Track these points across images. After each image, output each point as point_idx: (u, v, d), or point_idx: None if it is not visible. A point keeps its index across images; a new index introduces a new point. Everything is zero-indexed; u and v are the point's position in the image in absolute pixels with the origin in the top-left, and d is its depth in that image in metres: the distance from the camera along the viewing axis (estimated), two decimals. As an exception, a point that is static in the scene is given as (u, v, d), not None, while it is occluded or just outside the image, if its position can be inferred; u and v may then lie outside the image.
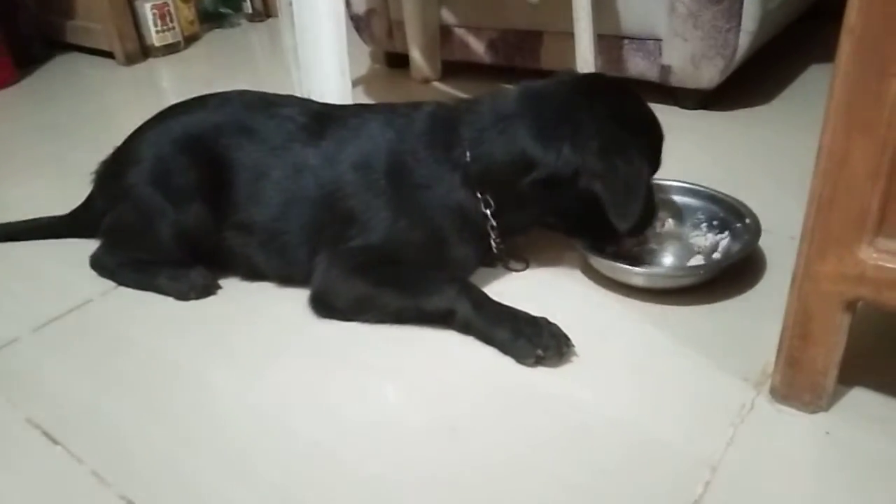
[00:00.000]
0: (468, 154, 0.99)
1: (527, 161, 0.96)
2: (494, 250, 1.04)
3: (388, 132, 1.03)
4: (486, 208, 0.99)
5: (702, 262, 1.03)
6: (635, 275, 0.99)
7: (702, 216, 1.10)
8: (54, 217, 1.28)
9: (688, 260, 1.04)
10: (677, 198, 1.13)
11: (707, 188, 1.11)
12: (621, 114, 0.97)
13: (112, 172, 1.14)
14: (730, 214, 1.07)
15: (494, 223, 1.00)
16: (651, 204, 1.02)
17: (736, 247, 1.02)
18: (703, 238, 1.07)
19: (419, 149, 1.01)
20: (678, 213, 1.11)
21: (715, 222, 1.08)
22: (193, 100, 1.16)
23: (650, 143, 1.00)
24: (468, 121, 1.01)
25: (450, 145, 1.00)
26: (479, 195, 0.99)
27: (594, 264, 1.04)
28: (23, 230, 1.29)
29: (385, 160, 1.01)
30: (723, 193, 1.09)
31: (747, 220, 1.03)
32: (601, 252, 1.02)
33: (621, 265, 0.99)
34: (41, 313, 1.08)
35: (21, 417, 0.89)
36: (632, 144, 0.95)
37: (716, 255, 1.04)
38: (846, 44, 0.62)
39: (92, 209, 1.19)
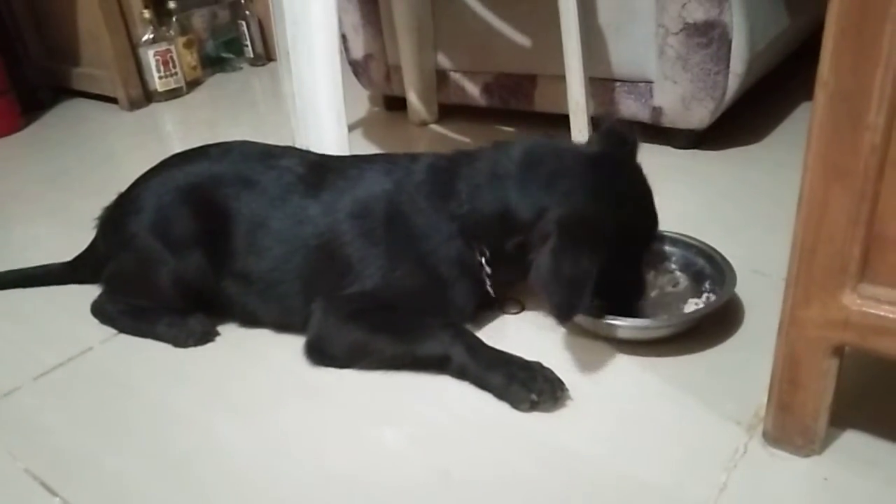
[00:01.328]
0: (464, 209, 1.00)
1: (509, 224, 0.98)
2: (491, 293, 1.05)
3: (386, 183, 1.05)
4: (480, 257, 1.01)
5: (686, 311, 1.03)
6: (613, 327, 0.98)
7: (675, 266, 1.11)
8: (57, 264, 1.30)
9: (673, 309, 1.05)
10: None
11: (686, 237, 1.11)
12: (608, 196, 0.95)
13: (114, 220, 1.16)
14: (707, 264, 1.07)
15: (489, 271, 1.02)
16: (637, 282, 1.03)
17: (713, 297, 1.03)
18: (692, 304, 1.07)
19: (417, 199, 1.03)
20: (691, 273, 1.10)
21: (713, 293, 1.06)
22: (195, 150, 1.19)
23: (635, 227, 0.98)
24: (466, 173, 1.03)
25: (447, 196, 1.02)
26: (474, 246, 1.01)
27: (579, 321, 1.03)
28: (27, 277, 1.31)
29: (383, 210, 1.03)
30: (699, 241, 1.10)
31: (724, 275, 1.03)
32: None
33: (598, 320, 0.98)
34: (42, 361, 1.09)
35: (20, 468, 0.89)
36: (593, 241, 0.90)
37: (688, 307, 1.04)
38: (820, 96, 0.64)
39: (94, 255, 1.21)
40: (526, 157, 1.01)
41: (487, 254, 1.01)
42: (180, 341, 1.10)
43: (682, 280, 1.10)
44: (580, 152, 1.03)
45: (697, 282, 1.08)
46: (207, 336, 1.10)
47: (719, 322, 1.01)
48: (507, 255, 1.00)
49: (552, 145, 1.03)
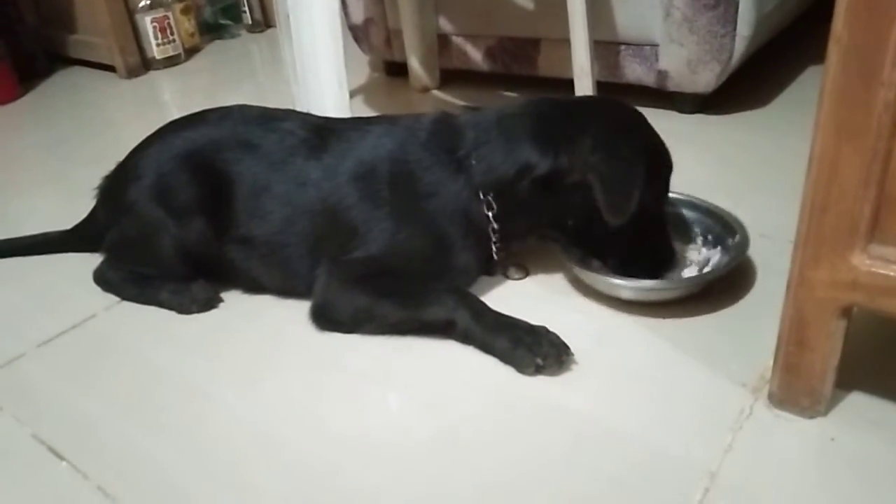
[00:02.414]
0: (472, 158, 1.00)
1: (525, 161, 0.98)
2: (495, 256, 1.05)
3: (390, 142, 1.05)
4: (488, 211, 1.00)
5: (692, 275, 1.03)
6: (622, 288, 0.99)
7: (697, 230, 1.10)
8: (58, 232, 1.30)
9: (680, 272, 1.04)
10: (676, 210, 1.12)
11: (704, 202, 1.11)
12: (625, 131, 0.98)
13: (114, 188, 1.15)
14: (724, 230, 1.06)
15: (496, 226, 1.01)
16: (666, 245, 1.03)
17: (725, 260, 1.02)
18: (696, 252, 1.08)
19: (422, 156, 1.02)
20: (678, 226, 1.10)
21: (710, 237, 1.08)
22: (194, 115, 1.17)
23: (652, 163, 0.97)
24: (473, 126, 1.02)
25: (455, 150, 1.01)
26: (482, 198, 1.00)
27: (583, 278, 1.03)
28: (27, 245, 1.30)
29: (388, 170, 1.02)
30: (718, 207, 1.09)
31: (738, 237, 1.02)
32: (590, 265, 1.02)
33: (608, 278, 0.99)
34: (46, 329, 1.09)
35: (27, 433, 0.90)
36: (628, 146, 0.95)
37: (706, 269, 1.03)
38: (833, 53, 0.63)
39: (95, 224, 1.20)
40: (532, 104, 1.03)
41: (495, 207, 1.00)
42: (184, 308, 1.09)
43: (703, 246, 1.09)
44: (583, 98, 1.06)
45: (684, 230, 1.10)
46: (210, 302, 1.10)
47: (725, 285, 1.00)
48: (520, 201, 0.99)
49: (554, 97, 1.05)
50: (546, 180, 0.97)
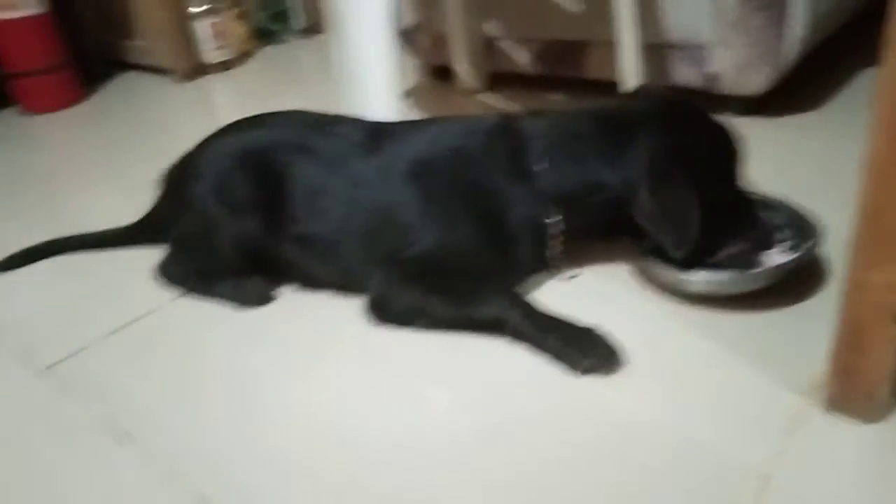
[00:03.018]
0: (538, 165, 1.01)
1: (593, 181, 1.00)
2: (553, 257, 1.06)
3: (450, 142, 1.07)
4: (550, 218, 1.02)
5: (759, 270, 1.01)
6: (691, 282, 0.99)
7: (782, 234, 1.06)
8: (121, 227, 1.35)
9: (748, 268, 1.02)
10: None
11: (783, 201, 1.09)
12: (687, 140, 0.99)
13: (177, 183, 1.20)
14: (802, 230, 1.03)
15: (556, 231, 1.03)
16: (721, 227, 1.01)
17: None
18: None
19: (485, 158, 1.04)
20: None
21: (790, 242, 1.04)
22: (255, 117, 1.21)
23: (718, 167, 1.00)
24: (538, 132, 1.04)
25: (519, 155, 1.03)
26: (545, 205, 1.02)
27: (649, 271, 1.04)
28: (93, 241, 1.36)
29: (447, 169, 1.05)
30: (796, 205, 1.07)
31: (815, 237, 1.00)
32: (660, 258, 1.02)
33: (677, 273, 0.99)
34: (111, 321, 1.14)
35: (94, 419, 0.94)
36: (685, 178, 0.94)
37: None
38: (891, 57, 0.63)
39: (156, 218, 1.26)
40: (594, 117, 1.03)
41: (558, 214, 1.02)
42: (240, 303, 1.13)
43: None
44: (646, 106, 1.04)
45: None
46: (265, 299, 1.14)
47: (779, 287, 0.99)
48: (587, 213, 1.01)
49: (617, 105, 1.06)
50: (614, 200, 1.00)
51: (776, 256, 1.03)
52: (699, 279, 0.99)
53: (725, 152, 1.02)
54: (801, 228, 1.03)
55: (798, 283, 1.01)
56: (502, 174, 1.03)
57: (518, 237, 1.04)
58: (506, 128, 1.07)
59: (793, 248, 1.02)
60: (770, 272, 0.99)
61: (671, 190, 0.95)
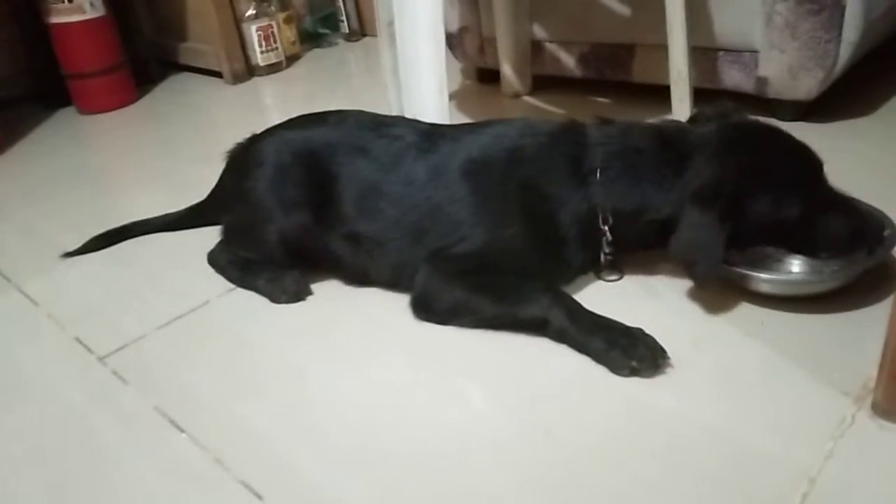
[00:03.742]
0: (597, 175, 1.02)
1: (645, 204, 1.01)
2: (602, 260, 1.07)
3: (507, 142, 1.08)
4: (604, 225, 1.03)
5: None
6: (761, 281, 0.99)
7: None
8: (185, 209, 1.43)
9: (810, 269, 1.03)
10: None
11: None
12: (746, 164, 0.98)
13: (237, 167, 1.24)
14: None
15: (610, 238, 1.04)
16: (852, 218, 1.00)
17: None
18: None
19: (544, 160, 1.05)
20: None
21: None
22: (315, 115, 1.25)
23: (790, 183, 0.98)
24: (602, 142, 1.05)
25: (580, 161, 1.04)
26: (596, 212, 1.03)
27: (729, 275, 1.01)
28: (159, 224, 1.44)
29: (502, 169, 1.06)
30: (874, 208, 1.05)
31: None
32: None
33: (747, 272, 0.99)
34: (165, 312, 1.18)
35: (150, 406, 0.98)
36: (724, 209, 0.94)
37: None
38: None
39: (216, 199, 1.33)
40: (658, 135, 1.04)
41: (611, 221, 1.03)
42: (274, 297, 1.16)
43: None
44: (709, 129, 1.04)
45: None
46: (300, 295, 1.16)
47: (830, 294, 0.98)
48: (631, 228, 1.03)
49: (680, 125, 1.07)
50: (660, 222, 1.01)
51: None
52: (766, 279, 0.99)
53: (798, 166, 1.01)
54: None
55: (849, 287, 1.00)
56: (559, 176, 1.04)
57: (567, 240, 1.04)
58: (569, 132, 1.08)
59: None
60: (846, 271, 0.98)
61: (700, 227, 0.95)
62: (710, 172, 0.97)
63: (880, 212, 1.03)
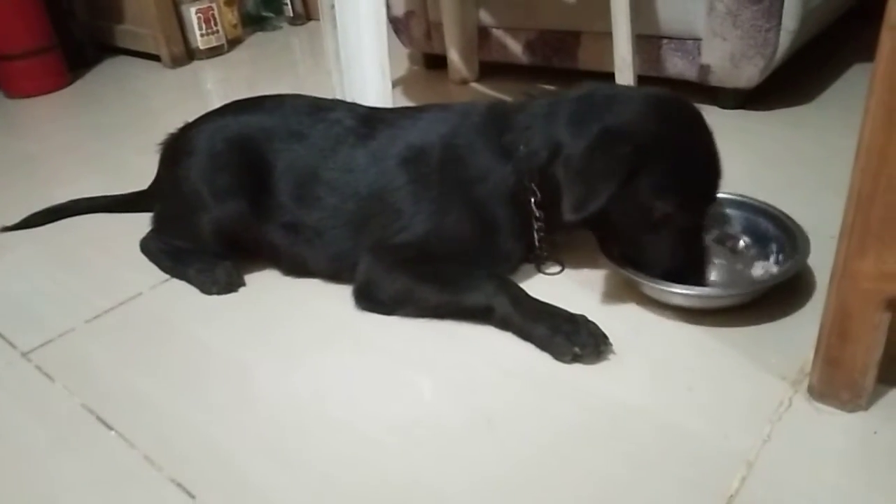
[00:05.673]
0: (520, 143, 1.00)
1: (556, 143, 0.96)
2: (537, 244, 1.05)
3: (443, 127, 1.06)
4: (532, 198, 1.00)
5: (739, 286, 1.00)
6: (673, 294, 0.95)
7: (774, 246, 1.03)
8: (133, 192, 1.39)
9: (739, 274, 1.02)
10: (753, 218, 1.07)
11: (777, 210, 1.05)
12: (658, 131, 0.93)
13: (169, 157, 1.19)
14: (791, 242, 1.00)
15: (539, 214, 1.01)
16: (697, 254, 0.98)
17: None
18: (761, 268, 1.03)
19: (475, 141, 1.03)
20: (755, 236, 1.06)
21: (781, 256, 1.02)
22: (252, 100, 1.20)
23: (691, 171, 0.93)
24: (524, 112, 1.02)
25: (504, 135, 1.01)
26: (527, 185, 1.00)
27: (626, 276, 1.00)
28: (103, 204, 1.41)
29: (438, 155, 1.03)
30: (789, 217, 1.03)
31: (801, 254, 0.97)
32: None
33: (658, 285, 0.95)
34: (94, 305, 1.13)
35: (77, 403, 0.93)
36: (628, 155, 0.89)
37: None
38: (887, 41, 0.62)
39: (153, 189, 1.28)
40: (584, 93, 1.00)
41: (539, 195, 1.00)
42: (205, 288, 1.13)
43: (744, 243, 1.06)
44: (639, 90, 1.01)
45: (763, 244, 1.04)
46: (231, 286, 1.13)
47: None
48: (558, 191, 0.96)
49: (612, 86, 1.03)
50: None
51: (761, 269, 1.02)
52: (679, 292, 0.94)
53: (706, 172, 0.95)
54: (790, 241, 1.00)
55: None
56: (488, 158, 1.02)
57: (505, 222, 1.02)
58: (497, 111, 1.06)
59: (778, 262, 1.01)
60: (750, 290, 0.97)
61: (604, 154, 0.90)
62: (631, 118, 0.93)
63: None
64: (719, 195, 0.99)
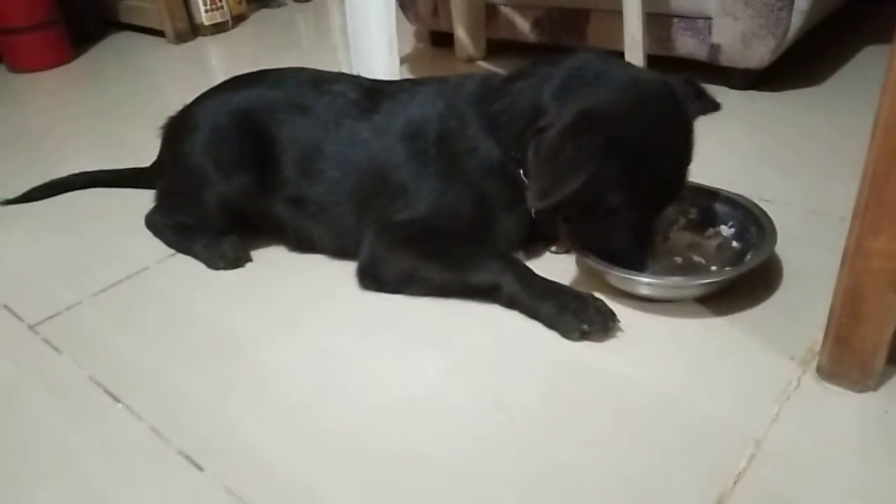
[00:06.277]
0: (502, 111, 0.97)
1: (535, 111, 0.93)
2: (533, 215, 1.01)
3: (438, 102, 1.04)
4: (519, 167, 0.97)
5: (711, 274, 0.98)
6: (640, 284, 0.93)
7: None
8: (138, 168, 1.38)
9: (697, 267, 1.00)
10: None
11: (738, 197, 1.03)
12: (643, 112, 0.89)
13: (173, 134, 1.18)
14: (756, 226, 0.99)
15: (526, 181, 0.97)
16: (647, 233, 0.96)
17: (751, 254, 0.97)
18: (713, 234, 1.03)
19: (467, 114, 1.01)
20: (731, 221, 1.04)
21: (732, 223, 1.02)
22: (253, 74, 1.19)
23: (660, 163, 0.90)
24: (512, 82, 0.99)
25: (492, 112, 0.99)
26: (513, 154, 0.97)
27: (593, 266, 0.97)
28: (105, 179, 1.41)
29: (435, 129, 1.02)
30: (751, 202, 1.02)
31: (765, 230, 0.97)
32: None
33: (624, 274, 0.93)
34: (101, 279, 1.13)
35: (85, 376, 0.93)
36: (599, 137, 0.85)
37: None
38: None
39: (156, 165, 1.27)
40: (575, 66, 0.95)
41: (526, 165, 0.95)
42: (212, 262, 1.12)
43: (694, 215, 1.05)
44: (631, 71, 0.96)
45: (712, 218, 1.04)
46: (238, 261, 1.12)
47: (775, 261, 0.99)
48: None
49: (606, 62, 0.95)
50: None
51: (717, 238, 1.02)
52: (643, 281, 0.93)
53: (667, 162, 0.91)
54: (757, 231, 0.98)
55: (793, 257, 1.00)
56: (478, 129, 0.99)
57: (499, 194, 1.00)
58: (489, 83, 1.03)
59: (732, 227, 1.00)
60: (709, 284, 0.95)
61: (574, 144, 0.85)
62: (612, 102, 0.89)
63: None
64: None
